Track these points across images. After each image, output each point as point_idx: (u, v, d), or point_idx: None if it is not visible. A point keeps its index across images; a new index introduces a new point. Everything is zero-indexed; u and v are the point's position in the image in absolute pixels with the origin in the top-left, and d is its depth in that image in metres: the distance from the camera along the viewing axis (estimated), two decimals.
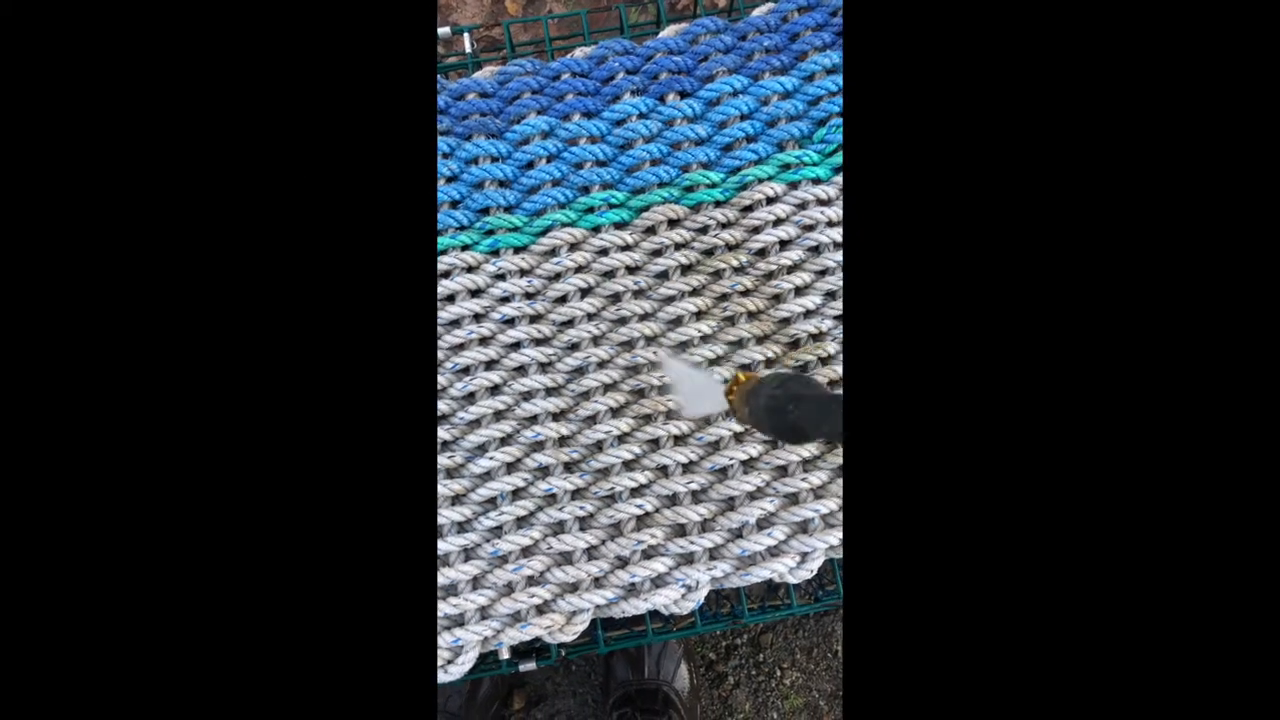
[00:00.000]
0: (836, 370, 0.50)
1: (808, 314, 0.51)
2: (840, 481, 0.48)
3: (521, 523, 0.49)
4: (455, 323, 0.53)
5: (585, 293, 0.54)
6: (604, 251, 0.54)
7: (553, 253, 0.55)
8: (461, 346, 0.53)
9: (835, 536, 0.47)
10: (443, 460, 0.50)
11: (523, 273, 0.54)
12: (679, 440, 0.50)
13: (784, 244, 0.53)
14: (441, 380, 0.52)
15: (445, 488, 0.49)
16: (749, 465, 0.49)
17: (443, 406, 0.51)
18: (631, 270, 0.54)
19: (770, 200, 0.54)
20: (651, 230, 0.55)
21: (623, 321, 0.53)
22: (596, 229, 0.55)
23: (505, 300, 0.54)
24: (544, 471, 0.50)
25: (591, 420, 0.51)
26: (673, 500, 0.49)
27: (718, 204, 0.55)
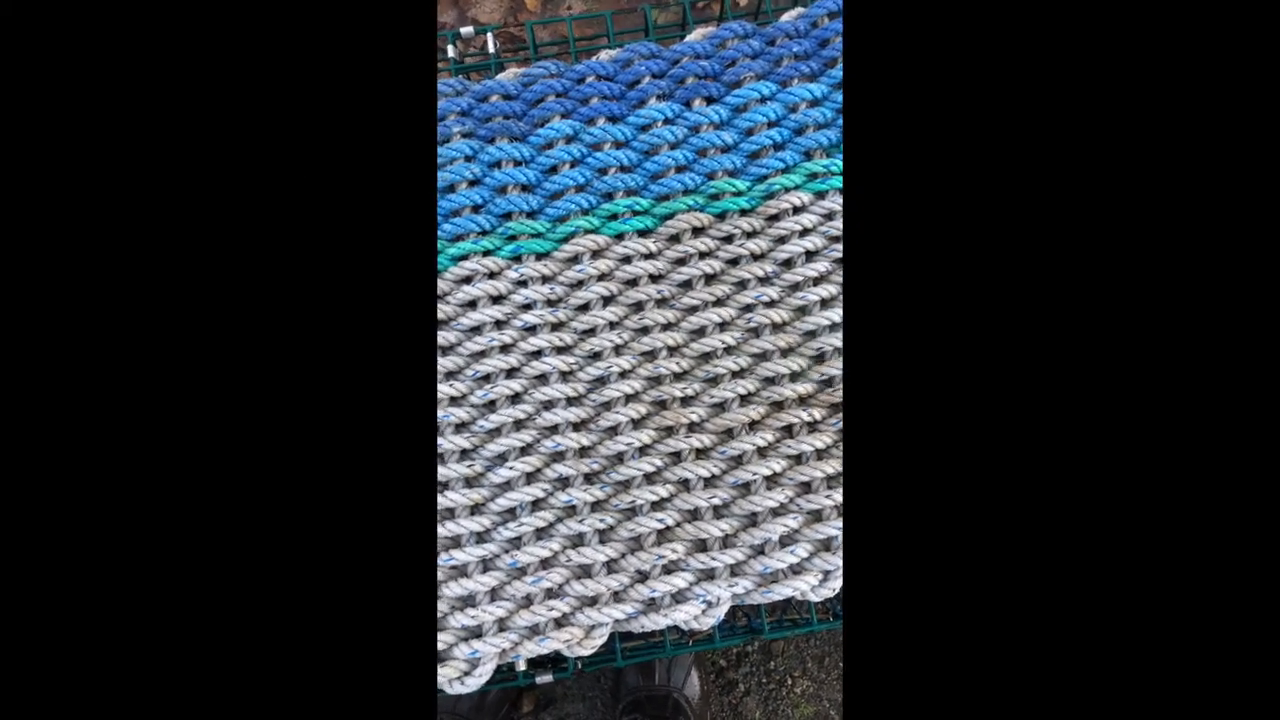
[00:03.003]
0: None
1: (833, 327, 0.51)
2: None
3: (540, 534, 0.48)
4: (476, 329, 0.53)
5: (608, 301, 0.53)
6: (627, 259, 0.53)
7: (575, 259, 0.54)
8: (483, 353, 0.52)
9: None
10: (462, 469, 0.50)
11: (545, 279, 0.54)
12: (701, 454, 0.49)
13: (810, 255, 0.52)
14: (462, 387, 0.51)
15: (464, 497, 0.49)
16: (772, 481, 0.48)
17: (463, 414, 0.51)
18: (655, 279, 0.53)
19: (797, 210, 0.53)
20: (675, 238, 0.54)
21: (645, 331, 0.52)
22: (620, 236, 0.54)
23: (527, 307, 0.53)
24: (564, 482, 0.49)
25: (613, 431, 0.50)
26: (694, 515, 0.48)
27: (743, 212, 0.54)
